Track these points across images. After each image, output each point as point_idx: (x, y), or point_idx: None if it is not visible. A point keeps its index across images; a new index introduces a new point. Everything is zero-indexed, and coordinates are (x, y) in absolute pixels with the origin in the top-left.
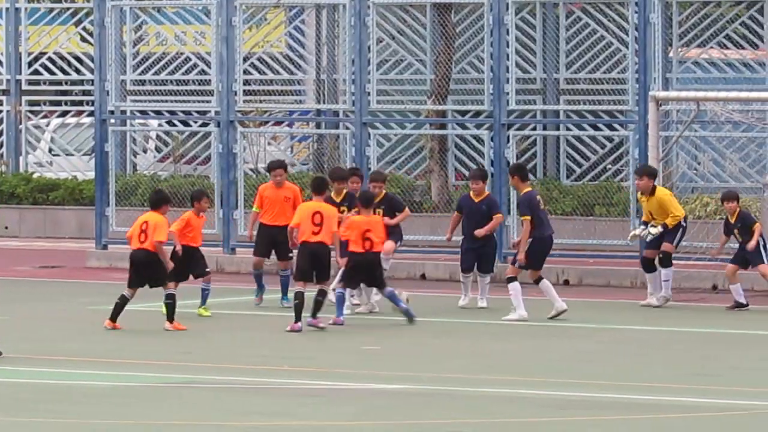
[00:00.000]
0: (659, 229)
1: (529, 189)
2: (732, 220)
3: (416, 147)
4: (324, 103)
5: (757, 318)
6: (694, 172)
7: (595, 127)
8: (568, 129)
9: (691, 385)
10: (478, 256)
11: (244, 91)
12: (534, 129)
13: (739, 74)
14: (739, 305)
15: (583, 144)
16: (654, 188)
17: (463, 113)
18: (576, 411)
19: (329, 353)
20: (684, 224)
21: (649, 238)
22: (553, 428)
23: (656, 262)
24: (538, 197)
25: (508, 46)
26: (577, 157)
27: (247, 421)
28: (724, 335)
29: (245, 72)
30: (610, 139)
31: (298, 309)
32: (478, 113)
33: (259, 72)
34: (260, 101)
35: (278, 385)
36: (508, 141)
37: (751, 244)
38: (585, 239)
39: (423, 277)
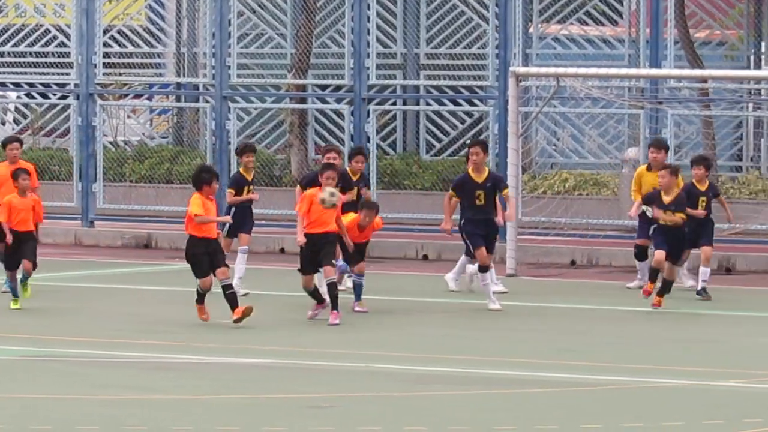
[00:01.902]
0: None
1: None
2: (702, 188)
3: (276, 121)
4: (184, 76)
5: (618, 294)
6: (554, 147)
7: (455, 103)
8: (428, 104)
9: (555, 361)
10: (487, 240)
11: (103, 63)
12: (394, 104)
13: (598, 51)
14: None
15: (443, 119)
16: (666, 165)
17: (324, 87)
18: (438, 386)
19: (189, 327)
20: None
21: (650, 213)
22: (415, 403)
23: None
24: None
25: (368, 21)
26: (437, 132)
27: (105, 395)
28: (586, 311)
29: (105, 45)
30: (469, 114)
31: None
32: (338, 88)
33: (119, 45)
34: (120, 74)
35: (137, 359)
36: (368, 116)
37: (699, 212)
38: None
39: (282, 251)
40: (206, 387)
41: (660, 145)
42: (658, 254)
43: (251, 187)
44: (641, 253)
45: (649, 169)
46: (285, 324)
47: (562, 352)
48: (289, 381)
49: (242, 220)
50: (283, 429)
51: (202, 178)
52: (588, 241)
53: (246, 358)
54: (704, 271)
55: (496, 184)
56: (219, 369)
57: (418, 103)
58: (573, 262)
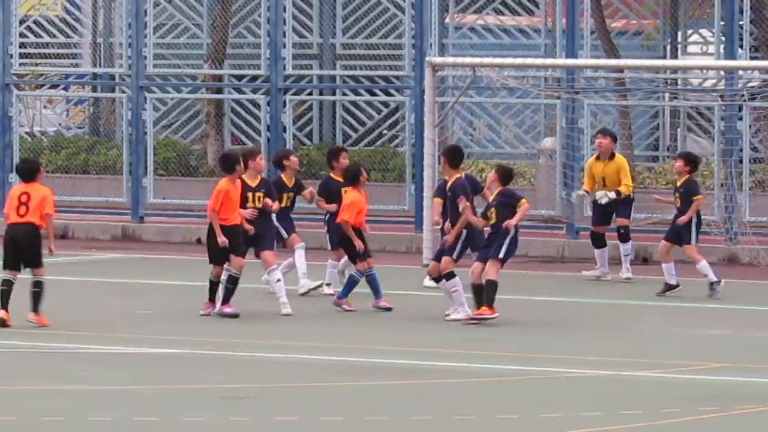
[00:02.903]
0: (614, 195)
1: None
2: (678, 183)
3: (192, 111)
4: (100, 66)
5: (532, 285)
6: (470, 138)
7: (372, 93)
8: (344, 94)
9: (465, 351)
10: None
11: (20, 54)
12: (310, 94)
13: (515, 41)
14: (669, 287)
15: (360, 109)
16: (614, 153)
17: (240, 78)
18: (354, 376)
19: (103, 317)
20: (633, 196)
21: (604, 200)
22: (331, 393)
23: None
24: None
25: (284, 11)
26: (353, 122)
27: (19, 385)
28: (500, 301)
29: (21, 35)
30: (386, 104)
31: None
32: (254, 78)
33: (35, 35)
34: (36, 64)
35: (52, 349)
36: (285, 106)
37: (683, 219)
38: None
39: (198, 241)
40: (123, 378)
41: (606, 132)
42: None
43: (290, 193)
44: (598, 240)
45: (598, 158)
46: (196, 315)
47: (479, 342)
48: (206, 371)
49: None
50: (200, 419)
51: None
52: None
53: (163, 348)
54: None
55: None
56: (136, 359)
57: (334, 93)
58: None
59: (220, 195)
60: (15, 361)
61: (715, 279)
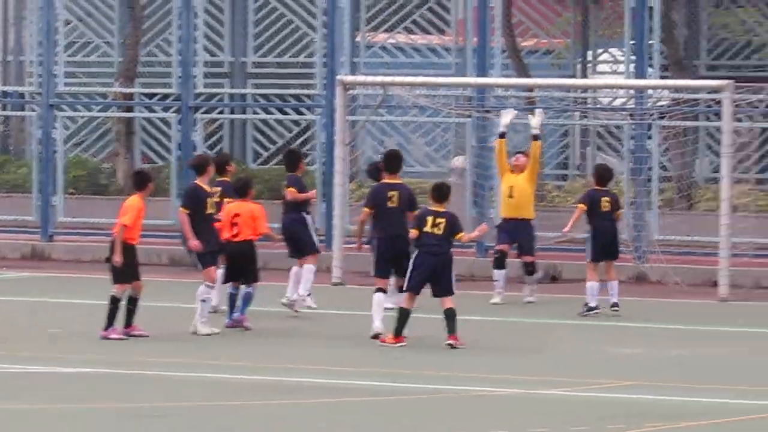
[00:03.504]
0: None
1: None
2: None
3: (103, 129)
4: (10, 84)
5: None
6: (380, 156)
7: (283, 111)
8: (255, 112)
9: (379, 369)
10: None
11: None
12: (221, 112)
13: (425, 59)
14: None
15: (270, 128)
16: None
17: (151, 96)
18: (270, 394)
19: (13, 335)
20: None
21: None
22: (246, 411)
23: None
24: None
25: (195, 29)
26: (264, 141)
27: None
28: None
29: None
30: (297, 123)
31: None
32: (165, 96)
33: None
34: None
35: None
36: (195, 124)
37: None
38: (272, 222)
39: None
40: (35, 397)
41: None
42: None
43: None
44: (501, 261)
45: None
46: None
47: (391, 360)
48: (119, 390)
49: None
50: None
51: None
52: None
53: (75, 367)
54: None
55: None
56: (47, 379)
57: (245, 112)
58: None
59: (136, 212)
60: None
61: (593, 305)
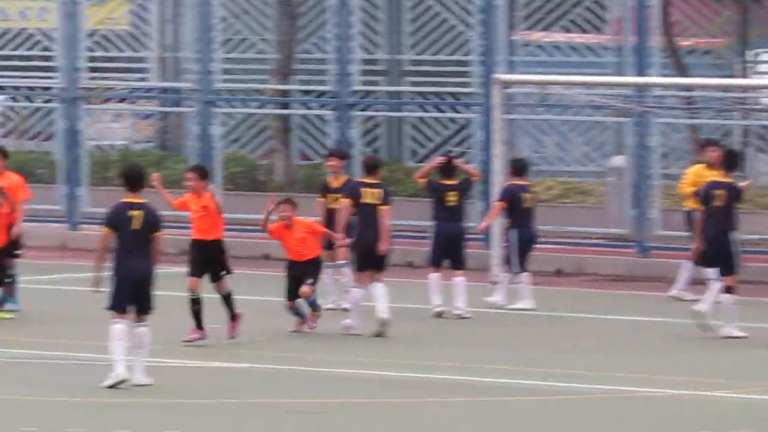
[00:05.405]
0: None
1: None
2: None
3: (260, 126)
4: (168, 81)
5: (607, 303)
6: (538, 155)
7: (439, 109)
8: (412, 110)
9: (520, 368)
10: None
11: (88, 68)
12: (378, 110)
13: (582, 58)
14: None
15: (427, 125)
16: None
17: (307, 93)
18: (420, 392)
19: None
20: None
21: None
22: (396, 409)
23: None
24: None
25: (352, 27)
26: (420, 138)
27: None
28: None
29: (89, 49)
30: (453, 120)
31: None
32: (322, 93)
33: (104, 49)
34: (104, 78)
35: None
36: (352, 121)
37: None
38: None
39: (267, 257)
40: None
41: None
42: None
43: None
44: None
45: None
46: (272, 330)
47: (537, 360)
48: (270, 386)
49: None
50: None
51: None
52: (575, 249)
53: (233, 363)
54: None
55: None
56: (201, 373)
57: (401, 110)
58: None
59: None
60: None
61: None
